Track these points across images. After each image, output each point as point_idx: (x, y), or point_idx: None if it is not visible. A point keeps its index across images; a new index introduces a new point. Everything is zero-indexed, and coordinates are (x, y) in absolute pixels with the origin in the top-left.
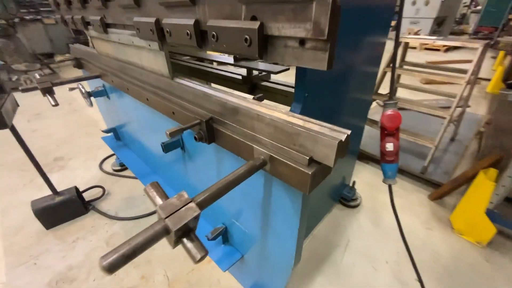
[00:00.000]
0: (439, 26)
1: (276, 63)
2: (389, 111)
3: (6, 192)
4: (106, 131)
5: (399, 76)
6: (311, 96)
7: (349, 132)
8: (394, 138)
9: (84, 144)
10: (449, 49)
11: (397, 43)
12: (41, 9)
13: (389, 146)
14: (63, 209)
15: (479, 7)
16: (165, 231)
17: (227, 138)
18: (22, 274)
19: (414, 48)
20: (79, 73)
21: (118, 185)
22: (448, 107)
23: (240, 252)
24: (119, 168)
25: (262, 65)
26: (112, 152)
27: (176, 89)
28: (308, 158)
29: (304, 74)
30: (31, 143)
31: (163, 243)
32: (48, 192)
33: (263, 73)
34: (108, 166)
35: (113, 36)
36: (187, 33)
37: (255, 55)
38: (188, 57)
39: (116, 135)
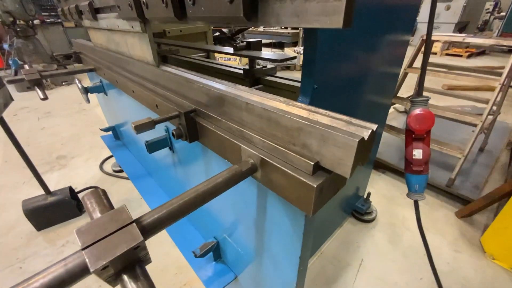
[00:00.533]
0: (460, 31)
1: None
2: (418, 110)
3: (5, 189)
4: (105, 130)
5: None
6: (322, 89)
7: (374, 126)
8: (424, 143)
9: (88, 143)
10: (471, 55)
11: (430, 27)
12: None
13: (417, 153)
14: (55, 210)
15: (502, 13)
16: (83, 270)
17: (211, 135)
18: (5, 278)
19: (435, 53)
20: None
21: (116, 187)
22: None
23: (233, 272)
24: (119, 168)
25: (265, 54)
26: None
27: (161, 78)
28: (313, 164)
29: (314, 59)
30: (38, 140)
31: (158, 252)
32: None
33: (268, 66)
34: (109, 166)
35: (102, 23)
36: (163, 0)
37: (239, 14)
38: (192, 57)
39: (116, 134)
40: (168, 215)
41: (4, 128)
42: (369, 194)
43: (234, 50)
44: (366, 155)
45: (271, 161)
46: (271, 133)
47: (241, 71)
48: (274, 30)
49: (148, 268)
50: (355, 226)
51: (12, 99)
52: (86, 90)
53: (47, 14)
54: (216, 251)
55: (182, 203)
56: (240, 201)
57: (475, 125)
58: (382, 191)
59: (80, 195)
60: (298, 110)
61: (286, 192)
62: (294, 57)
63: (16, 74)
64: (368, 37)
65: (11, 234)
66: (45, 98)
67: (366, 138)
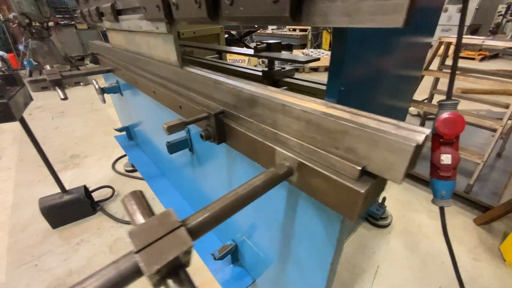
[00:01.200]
0: (472, 34)
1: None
2: (447, 114)
3: (21, 187)
4: (119, 130)
5: (437, 80)
6: (348, 91)
7: (427, 131)
8: (453, 148)
9: (100, 142)
10: (484, 58)
11: (461, 29)
12: (75, 15)
13: (445, 158)
14: (70, 209)
15: None
16: (136, 273)
17: (241, 137)
18: (21, 276)
19: (447, 56)
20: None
21: (128, 186)
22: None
23: (251, 275)
24: (131, 168)
25: (285, 55)
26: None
27: (185, 78)
28: (360, 168)
29: (342, 60)
30: (52, 139)
31: None
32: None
33: (286, 68)
34: (121, 166)
35: (124, 24)
36: (196, 0)
37: (285, 13)
38: (207, 58)
39: (129, 134)
40: (211, 218)
41: (24, 127)
42: (384, 198)
43: (254, 52)
44: (415, 160)
45: (310, 165)
46: (310, 136)
47: (259, 73)
48: (282, 32)
49: None
50: (369, 231)
51: (31, 99)
52: (102, 91)
53: (61, 16)
54: (234, 254)
55: (224, 206)
56: (265, 204)
57: (494, 130)
58: (397, 195)
59: (94, 194)
60: (340, 112)
61: (325, 197)
62: (318, 59)
63: (31, 74)
64: (394, 38)
65: (27, 231)
66: (65, 98)
67: (420, 142)
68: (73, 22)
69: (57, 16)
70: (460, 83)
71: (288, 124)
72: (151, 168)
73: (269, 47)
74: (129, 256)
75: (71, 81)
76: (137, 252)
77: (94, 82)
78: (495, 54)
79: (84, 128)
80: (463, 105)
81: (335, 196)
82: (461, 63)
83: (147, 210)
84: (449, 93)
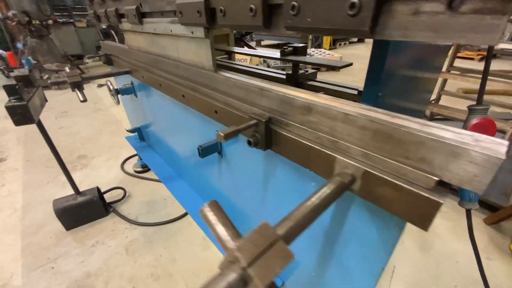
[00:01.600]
0: None
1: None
2: (477, 119)
3: (30, 188)
4: (131, 131)
5: (445, 81)
6: (383, 97)
7: (506, 142)
8: None
9: (107, 143)
10: (483, 58)
11: None
12: (74, 13)
13: None
14: (84, 210)
15: None
16: (243, 287)
17: (291, 143)
18: (38, 279)
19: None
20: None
21: (139, 187)
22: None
23: (280, 278)
24: (141, 169)
25: (314, 59)
26: (133, 153)
27: (221, 83)
28: (437, 179)
29: (382, 68)
30: (58, 140)
31: (187, 253)
32: (71, 190)
33: (309, 70)
34: (130, 167)
35: (148, 27)
36: (251, 8)
37: (364, 27)
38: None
39: (141, 135)
40: (296, 227)
41: (40, 130)
42: None
43: (281, 55)
44: None
45: (378, 174)
46: (376, 145)
47: (282, 76)
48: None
49: (182, 267)
50: None
51: (46, 100)
52: (117, 92)
53: (59, 14)
54: None
55: (304, 215)
56: None
57: (504, 132)
58: None
59: (106, 196)
60: (409, 122)
61: (392, 206)
62: (351, 64)
63: (30, 72)
64: (425, 44)
65: (40, 233)
66: (85, 100)
67: (504, 156)
68: (71, 20)
69: (56, 14)
70: (460, 83)
71: (350, 133)
72: (167, 170)
73: (295, 51)
74: (238, 270)
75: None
76: (248, 266)
77: (109, 83)
78: (493, 54)
79: (89, 128)
80: (466, 105)
81: (405, 205)
82: (461, 63)
83: (226, 220)
84: (479, 98)
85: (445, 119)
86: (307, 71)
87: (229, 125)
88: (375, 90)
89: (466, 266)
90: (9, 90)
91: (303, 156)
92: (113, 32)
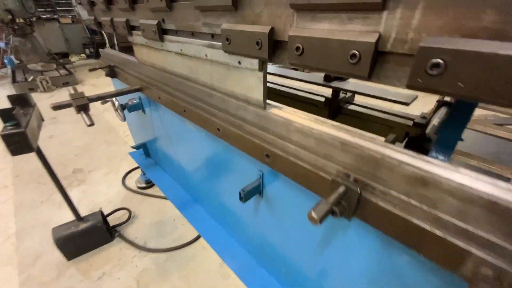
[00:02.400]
0: None
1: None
2: None
3: (23, 210)
4: (136, 147)
5: None
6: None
7: None
8: None
9: (105, 154)
10: None
11: None
12: (58, 8)
13: None
14: (87, 237)
15: None
16: None
17: (391, 218)
18: None
19: None
20: (104, 80)
21: (144, 206)
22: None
23: None
24: (145, 185)
25: (376, 91)
26: (135, 166)
27: (275, 125)
28: None
29: (468, 117)
30: (49, 151)
31: (206, 284)
32: (68, 212)
33: (347, 94)
34: (132, 182)
35: (172, 46)
36: (354, 54)
37: (362, 73)
38: None
39: (146, 151)
40: None
41: (40, 158)
42: None
43: (325, 81)
44: None
45: None
46: None
47: (321, 98)
48: None
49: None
50: None
51: (43, 119)
52: (123, 107)
53: (43, 10)
54: None
55: None
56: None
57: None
58: None
59: (109, 218)
60: None
61: None
62: (416, 97)
63: (13, 74)
64: None
65: (38, 264)
66: (92, 124)
67: None
68: (55, 16)
69: (39, 10)
70: None
71: (493, 223)
72: (179, 192)
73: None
74: None
75: (58, 81)
76: None
77: (114, 99)
78: None
79: (82, 137)
80: None
81: None
82: None
83: None
84: None
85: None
86: (345, 94)
87: (286, 173)
88: (457, 134)
89: None
90: (4, 115)
91: (408, 235)
92: (104, 34)
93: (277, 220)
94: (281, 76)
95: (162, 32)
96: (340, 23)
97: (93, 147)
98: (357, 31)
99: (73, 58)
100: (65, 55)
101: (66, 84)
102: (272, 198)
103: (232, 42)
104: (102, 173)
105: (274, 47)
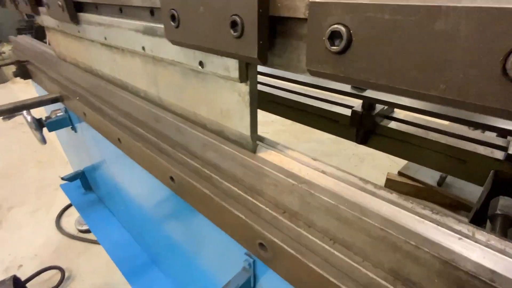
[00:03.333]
0: None
1: None
2: None
3: None
4: (69, 179)
5: None
6: None
7: None
8: None
9: (34, 180)
10: None
11: None
12: None
13: None
14: None
15: None
16: None
17: None
18: None
19: None
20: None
21: (87, 259)
22: None
23: None
24: (87, 227)
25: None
26: None
27: (270, 182)
28: None
29: None
30: None
31: None
32: None
33: (384, 107)
34: (70, 222)
35: (93, 31)
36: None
37: None
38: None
39: (85, 183)
40: None
41: None
42: None
43: (352, 88)
44: None
45: None
46: None
47: (343, 110)
48: None
49: None
50: None
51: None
52: (40, 125)
53: None
54: None
55: None
56: None
57: None
58: None
59: (31, 284)
60: None
61: None
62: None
63: None
64: None
65: None
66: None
67: None
68: None
69: None
70: None
71: None
72: (130, 246)
73: None
74: None
75: None
76: None
77: (25, 113)
78: None
79: (5, 156)
80: None
81: None
82: None
83: None
84: None
85: None
86: (384, 107)
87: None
88: None
89: None
90: None
91: None
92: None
93: None
94: (281, 79)
95: (75, 8)
96: None
97: (19, 171)
98: None
99: (5, 48)
100: None
101: None
102: None
103: (183, 22)
104: (29, 210)
105: (273, 33)
